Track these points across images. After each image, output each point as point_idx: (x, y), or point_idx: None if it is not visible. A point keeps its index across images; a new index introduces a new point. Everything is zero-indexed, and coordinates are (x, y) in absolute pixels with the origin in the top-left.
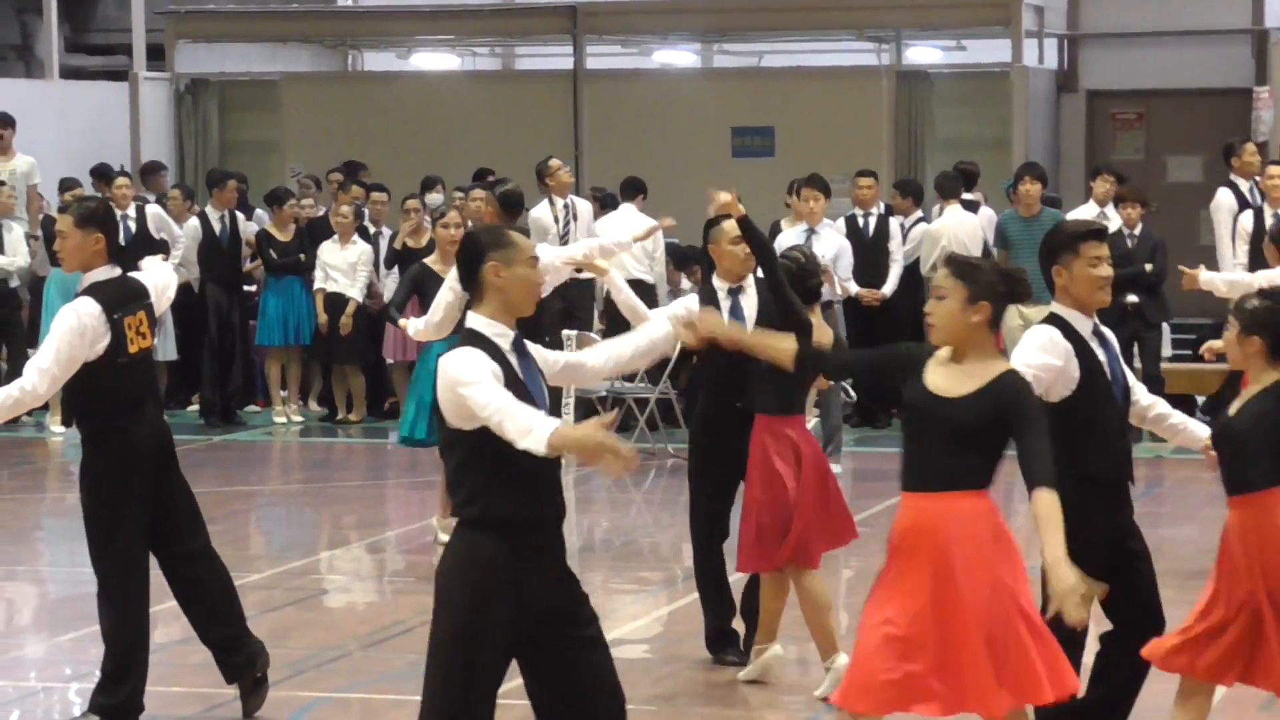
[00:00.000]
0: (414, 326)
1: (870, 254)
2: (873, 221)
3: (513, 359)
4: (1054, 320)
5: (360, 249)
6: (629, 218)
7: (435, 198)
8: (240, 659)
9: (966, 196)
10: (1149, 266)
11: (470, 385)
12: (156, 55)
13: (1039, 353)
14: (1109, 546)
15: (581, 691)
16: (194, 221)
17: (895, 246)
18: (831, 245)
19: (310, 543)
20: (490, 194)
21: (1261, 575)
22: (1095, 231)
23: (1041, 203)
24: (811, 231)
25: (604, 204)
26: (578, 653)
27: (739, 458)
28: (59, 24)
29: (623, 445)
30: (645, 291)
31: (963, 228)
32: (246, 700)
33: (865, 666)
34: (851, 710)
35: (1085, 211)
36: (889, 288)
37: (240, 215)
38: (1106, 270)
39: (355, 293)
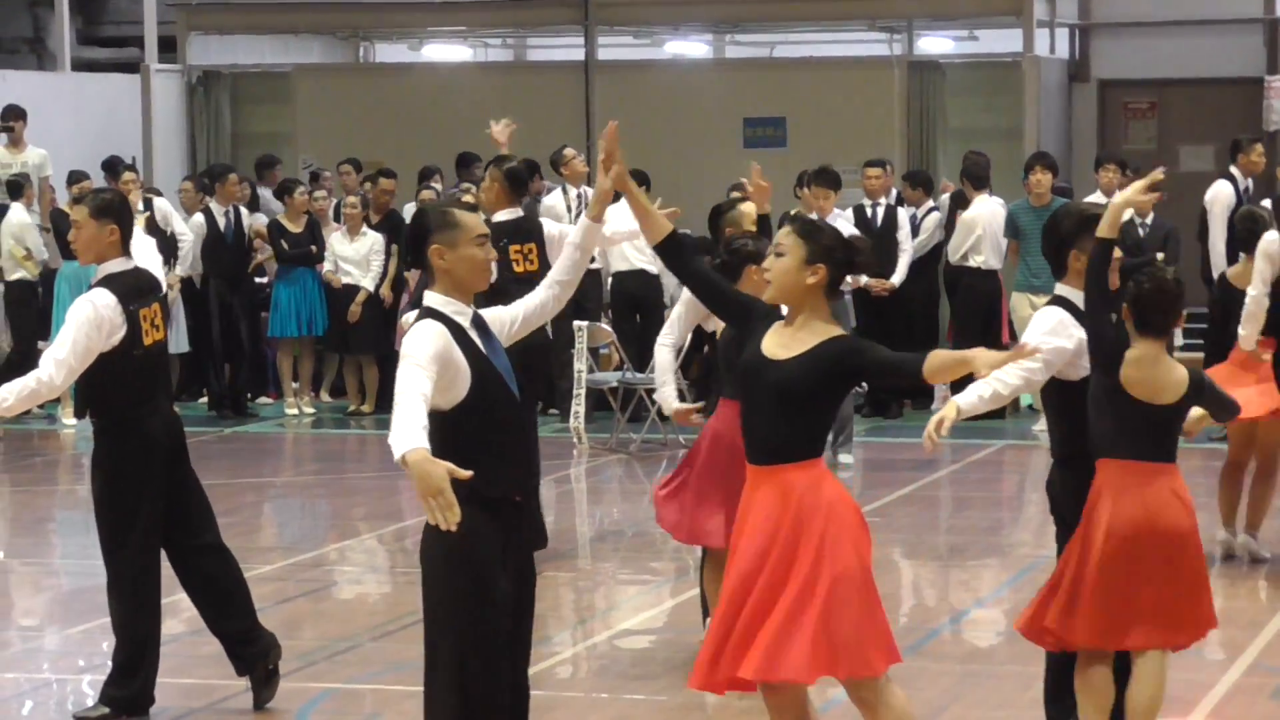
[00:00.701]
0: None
1: (879, 244)
2: (881, 212)
3: (474, 335)
4: (1061, 303)
5: (371, 239)
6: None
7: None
8: (252, 651)
9: None
10: (1160, 255)
11: (406, 359)
12: (168, 47)
13: (1049, 336)
14: None
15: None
16: (198, 216)
17: (904, 236)
18: None
19: (322, 534)
20: (497, 170)
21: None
22: None
23: (1053, 193)
24: None
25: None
26: (515, 648)
27: None
28: (71, 16)
29: (450, 510)
30: (649, 282)
31: (995, 218)
32: (258, 692)
33: (709, 645)
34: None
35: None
36: (897, 278)
37: (244, 210)
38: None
39: (368, 283)
